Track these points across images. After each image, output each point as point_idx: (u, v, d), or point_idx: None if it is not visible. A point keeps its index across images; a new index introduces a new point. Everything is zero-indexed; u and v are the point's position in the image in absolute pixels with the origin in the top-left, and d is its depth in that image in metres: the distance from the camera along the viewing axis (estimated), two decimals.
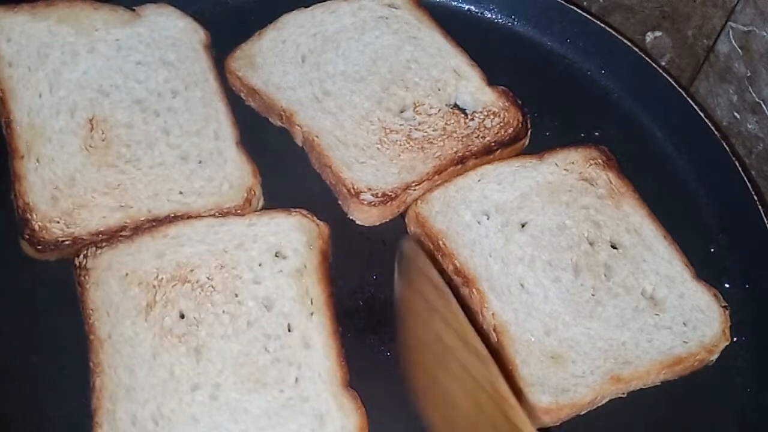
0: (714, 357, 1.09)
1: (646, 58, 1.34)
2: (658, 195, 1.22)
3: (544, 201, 1.16)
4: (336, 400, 1.01)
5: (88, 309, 1.04)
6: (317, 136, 1.20)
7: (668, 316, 1.09)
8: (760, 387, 1.10)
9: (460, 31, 1.34)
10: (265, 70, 1.26)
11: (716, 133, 1.26)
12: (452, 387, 0.88)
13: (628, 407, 1.06)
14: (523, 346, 1.05)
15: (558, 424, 1.04)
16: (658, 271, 1.12)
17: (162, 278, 1.06)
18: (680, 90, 1.31)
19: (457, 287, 1.12)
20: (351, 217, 1.18)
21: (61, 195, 1.11)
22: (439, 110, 1.24)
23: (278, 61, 1.27)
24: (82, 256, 1.07)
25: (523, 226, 1.15)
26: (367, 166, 1.18)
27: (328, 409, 1.00)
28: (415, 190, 1.17)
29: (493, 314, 1.07)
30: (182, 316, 1.04)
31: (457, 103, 1.26)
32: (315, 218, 1.13)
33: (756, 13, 1.29)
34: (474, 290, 1.09)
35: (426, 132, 1.22)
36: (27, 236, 1.08)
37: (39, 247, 1.08)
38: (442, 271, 1.14)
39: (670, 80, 1.31)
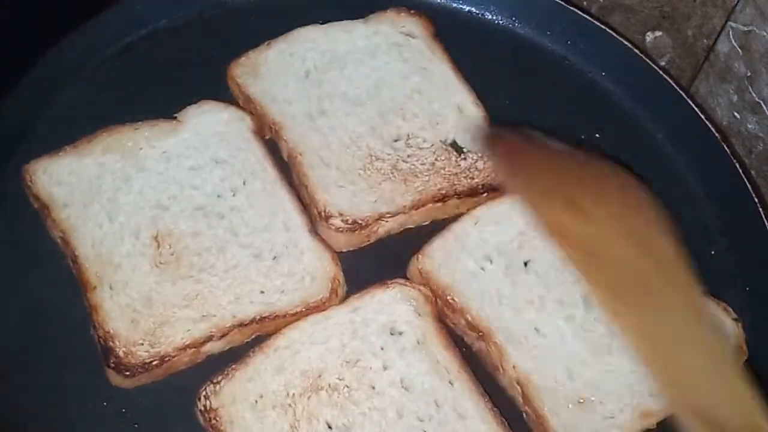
0: None
1: (646, 59, 1.34)
2: (658, 196, 1.21)
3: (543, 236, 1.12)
4: None
5: None
6: (300, 154, 1.18)
7: None
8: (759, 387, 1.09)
9: (461, 32, 1.35)
10: (266, 81, 1.24)
11: (716, 133, 1.26)
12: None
13: None
14: (548, 394, 1.02)
15: None
16: None
17: (293, 393, 1.00)
18: (680, 90, 1.31)
19: (472, 343, 1.10)
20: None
21: (140, 317, 1.05)
22: (432, 145, 1.21)
23: (281, 73, 1.25)
24: (203, 397, 1.00)
25: (526, 264, 1.12)
26: (344, 191, 1.15)
27: None
28: (387, 221, 1.14)
29: (514, 367, 1.04)
30: (330, 427, 0.98)
31: (455, 140, 1.22)
32: (413, 284, 1.10)
33: (756, 13, 1.28)
34: (491, 345, 1.05)
35: (413, 165, 1.19)
36: (113, 364, 1.02)
37: (127, 373, 1.02)
38: (453, 326, 1.10)
39: (670, 80, 1.32)
